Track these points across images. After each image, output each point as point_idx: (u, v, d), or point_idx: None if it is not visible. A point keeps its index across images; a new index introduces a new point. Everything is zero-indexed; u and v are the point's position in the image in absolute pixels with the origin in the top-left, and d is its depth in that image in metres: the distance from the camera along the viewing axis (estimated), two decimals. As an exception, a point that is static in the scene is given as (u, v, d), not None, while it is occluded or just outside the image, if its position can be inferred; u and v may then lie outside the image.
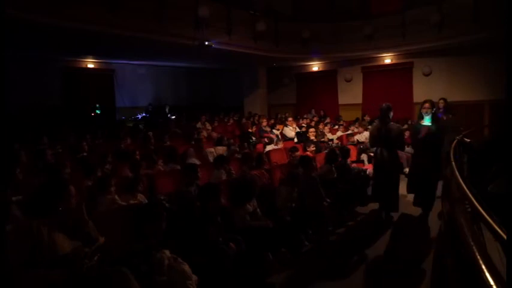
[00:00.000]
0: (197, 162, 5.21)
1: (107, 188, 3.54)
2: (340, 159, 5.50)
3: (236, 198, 3.70)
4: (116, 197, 3.57)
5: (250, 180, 3.90)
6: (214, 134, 8.65)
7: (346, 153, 5.80)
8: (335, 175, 5.25)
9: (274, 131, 9.52)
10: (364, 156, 7.59)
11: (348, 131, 9.74)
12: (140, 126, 9.69)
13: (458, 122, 8.66)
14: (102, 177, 3.88)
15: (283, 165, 5.44)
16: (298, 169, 4.59)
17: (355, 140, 8.65)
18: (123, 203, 3.54)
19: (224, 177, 4.63)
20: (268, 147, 7.25)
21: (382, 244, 4.19)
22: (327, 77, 13.82)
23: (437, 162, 4.69)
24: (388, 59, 12.22)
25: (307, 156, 5.22)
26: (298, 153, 5.73)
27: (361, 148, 7.87)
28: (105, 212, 3.29)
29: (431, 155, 4.71)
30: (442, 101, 7.38)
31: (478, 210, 1.47)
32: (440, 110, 7.28)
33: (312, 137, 7.95)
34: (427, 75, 11.48)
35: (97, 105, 11.86)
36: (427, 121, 4.77)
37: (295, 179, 4.26)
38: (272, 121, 11.00)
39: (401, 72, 12.02)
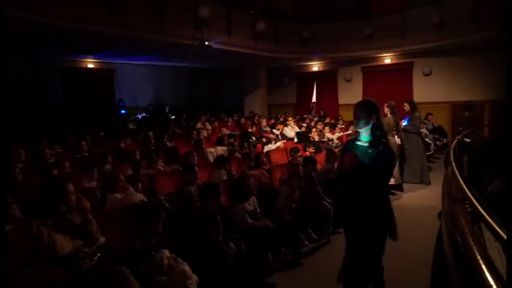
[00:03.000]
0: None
1: (115, 187, 3.57)
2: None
3: (232, 198, 3.72)
4: (123, 196, 3.59)
5: (245, 180, 3.89)
6: (226, 131, 8.61)
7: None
8: (336, 175, 5.25)
9: (274, 131, 9.53)
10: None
11: (348, 131, 9.75)
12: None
13: (477, 118, 8.93)
14: (110, 176, 3.89)
15: (283, 165, 5.44)
16: (298, 169, 4.58)
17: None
18: (125, 201, 3.55)
19: (224, 177, 4.63)
20: (266, 148, 7.24)
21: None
22: (327, 77, 13.83)
23: (384, 214, 2.53)
24: (388, 59, 12.22)
25: (311, 156, 5.23)
26: (300, 153, 5.75)
27: None
28: (105, 212, 3.30)
29: (373, 203, 2.50)
30: (406, 104, 7.12)
31: (478, 210, 1.47)
32: (407, 114, 7.06)
33: (316, 137, 7.96)
34: (427, 75, 11.48)
35: (121, 104, 12.05)
36: (363, 138, 2.59)
37: (299, 179, 4.26)
38: (272, 121, 11.00)
39: (401, 72, 12.02)
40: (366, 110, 2.54)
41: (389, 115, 6.75)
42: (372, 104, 2.59)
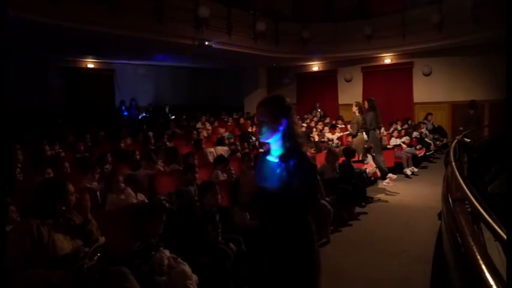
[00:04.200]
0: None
1: (114, 187, 3.58)
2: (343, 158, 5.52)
3: (233, 198, 3.71)
4: (122, 197, 3.58)
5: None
6: (223, 131, 8.66)
7: (350, 153, 5.79)
8: (337, 175, 5.25)
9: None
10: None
11: (347, 131, 9.75)
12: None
13: (481, 117, 9.10)
14: (110, 176, 3.89)
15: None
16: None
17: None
18: (125, 201, 3.55)
19: (224, 177, 4.63)
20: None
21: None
22: (327, 77, 13.83)
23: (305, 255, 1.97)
24: (388, 59, 12.22)
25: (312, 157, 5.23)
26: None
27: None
28: (105, 212, 3.30)
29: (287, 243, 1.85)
30: (365, 101, 7.36)
31: (478, 210, 1.47)
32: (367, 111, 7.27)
33: (316, 137, 7.96)
34: (427, 75, 11.49)
35: (133, 103, 12.15)
36: (273, 152, 1.88)
37: None
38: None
39: (401, 72, 12.02)
40: (271, 113, 1.82)
41: (357, 114, 7.01)
42: (277, 102, 1.86)
